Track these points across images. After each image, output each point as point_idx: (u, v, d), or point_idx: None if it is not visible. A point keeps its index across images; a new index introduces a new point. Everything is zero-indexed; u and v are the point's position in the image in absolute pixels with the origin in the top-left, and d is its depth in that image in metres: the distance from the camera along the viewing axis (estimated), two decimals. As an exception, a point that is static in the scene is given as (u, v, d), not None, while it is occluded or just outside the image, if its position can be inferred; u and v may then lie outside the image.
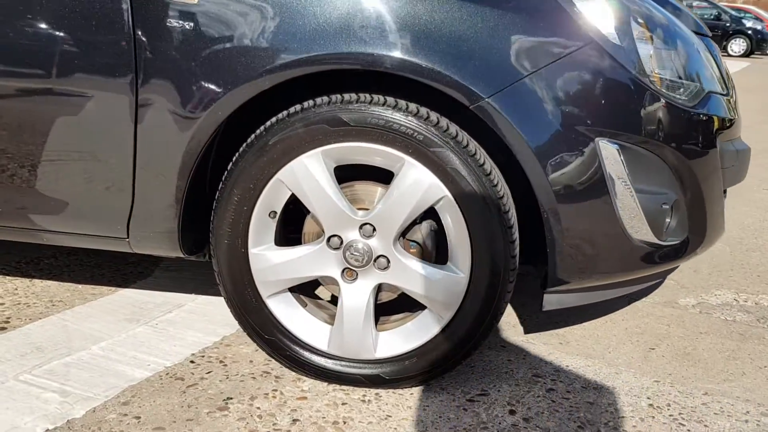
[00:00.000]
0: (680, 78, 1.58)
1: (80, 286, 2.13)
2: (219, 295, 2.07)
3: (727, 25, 18.45)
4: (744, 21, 18.61)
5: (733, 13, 18.90)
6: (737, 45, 18.35)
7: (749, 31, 18.41)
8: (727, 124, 1.69)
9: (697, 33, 1.76)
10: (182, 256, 1.67)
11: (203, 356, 1.74)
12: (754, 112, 6.84)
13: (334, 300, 1.76)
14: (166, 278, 2.21)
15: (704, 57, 1.69)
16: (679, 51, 1.60)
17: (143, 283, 2.17)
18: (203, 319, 1.94)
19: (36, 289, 2.09)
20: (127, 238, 1.64)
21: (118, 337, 1.82)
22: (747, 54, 18.36)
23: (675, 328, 2.02)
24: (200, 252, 1.73)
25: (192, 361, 1.71)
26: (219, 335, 1.85)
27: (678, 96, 1.55)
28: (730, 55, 18.27)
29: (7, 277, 2.16)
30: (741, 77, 11.27)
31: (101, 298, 2.04)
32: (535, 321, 2.01)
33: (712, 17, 18.93)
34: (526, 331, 1.95)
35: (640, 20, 1.54)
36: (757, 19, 19.96)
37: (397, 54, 1.40)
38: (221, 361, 1.72)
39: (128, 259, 2.34)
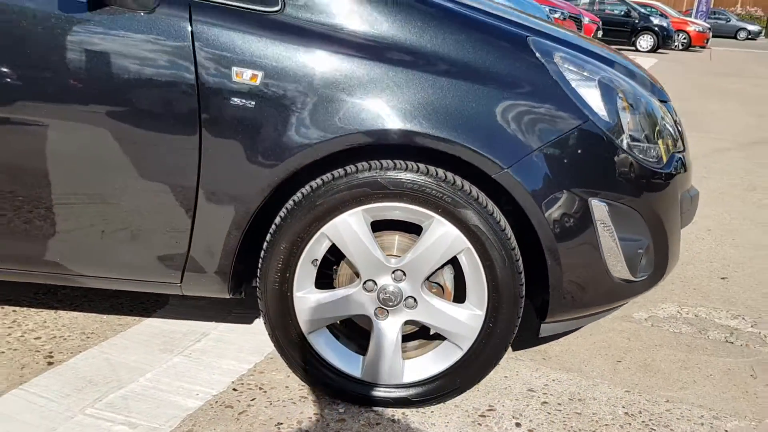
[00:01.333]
0: (651, 143, 1.90)
1: (105, 316, 2.28)
2: (236, 322, 2.29)
3: (636, 21, 19.49)
4: (651, 18, 19.71)
5: (642, 10, 19.97)
6: (645, 41, 19.44)
7: (656, 28, 19.52)
8: (685, 177, 2.04)
9: (660, 100, 2.09)
10: (228, 296, 1.88)
11: (242, 383, 1.96)
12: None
13: (351, 327, 2.00)
14: (183, 306, 2.39)
15: (668, 121, 2.03)
16: (650, 119, 1.93)
17: (163, 312, 2.34)
18: (231, 347, 2.15)
19: (64, 321, 2.23)
20: (180, 283, 1.84)
21: (160, 368, 2.00)
22: (654, 49, 19.48)
23: (634, 341, 2.38)
24: (238, 291, 1.94)
25: (234, 389, 1.93)
26: (251, 363, 2.07)
27: (650, 159, 1.87)
28: (638, 50, 19.34)
29: (32, 309, 2.29)
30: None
31: (130, 329, 2.21)
32: (520, 339, 2.32)
33: (621, 14, 19.95)
34: (514, 349, 2.26)
35: (620, 95, 1.85)
36: (663, 15, 21.18)
37: (436, 133, 1.65)
38: (261, 388, 1.94)
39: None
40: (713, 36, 26.51)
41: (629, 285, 1.92)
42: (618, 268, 1.86)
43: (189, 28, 1.63)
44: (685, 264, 3.11)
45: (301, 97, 1.65)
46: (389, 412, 1.87)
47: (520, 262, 1.79)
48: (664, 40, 19.64)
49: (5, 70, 1.65)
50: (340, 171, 1.73)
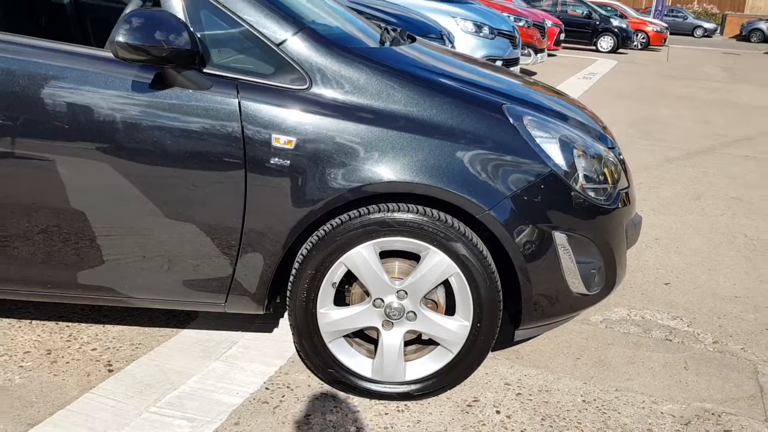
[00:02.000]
0: (601, 184, 2.37)
1: (147, 328, 2.68)
2: (259, 331, 2.71)
3: (597, 23, 20.19)
4: (611, 20, 20.41)
5: (602, 11, 20.66)
6: (605, 42, 20.15)
7: (616, 29, 20.23)
8: (629, 209, 2.52)
9: (608, 147, 2.56)
10: (262, 313, 2.30)
11: (272, 383, 2.38)
12: (623, 124, 8.00)
13: (359, 335, 2.43)
14: (211, 317, 2.80)
15: (615, 164, 2.49)
16: (599, 165, 2.40)
17: (196, 323, 2.75)
18: (258, 353, 2.57)
19: (113, 334, 2.62)
20: (225, 303, 2.26)
21: (202, 372, 2.42)
22: (614, 50, 20.19)
23: (591, 341, 2.86)
24: (268, 308, 2.36)
25: (267, 388, 2.35)
26: (276, 365, 2.49)
27: (601, 198, 2.34)
28: (599, 51, 20.03)
29: (83, 324, 2.68)
30: (611, 81, 12.68)
31: (171, 340, 2.61)
32: (497, 342, 2.78)
33: (583, 15, 20.61)
34: (492, 351, 2.72)
35: (576, 147, 2.31)
36: (622, 16, 21.94)
37: (432, 183, 2.09)
38: (288, 387, 2.37)
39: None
40: (671, 33, 27.47)
41: (585, 297, 2.39)
42: (576, 284, 2.33)
43: (237, 103, 2.05)
44: (635, 271, 3.61)
45: (327, 157, 2.08)
46: (394, 404, 2.32)
47: (499, 282, 2.24)
48: (623, 41, 20.37)
49: (98, 137, 2.05)
50: (355, 212, 2.16)
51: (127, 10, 2.21)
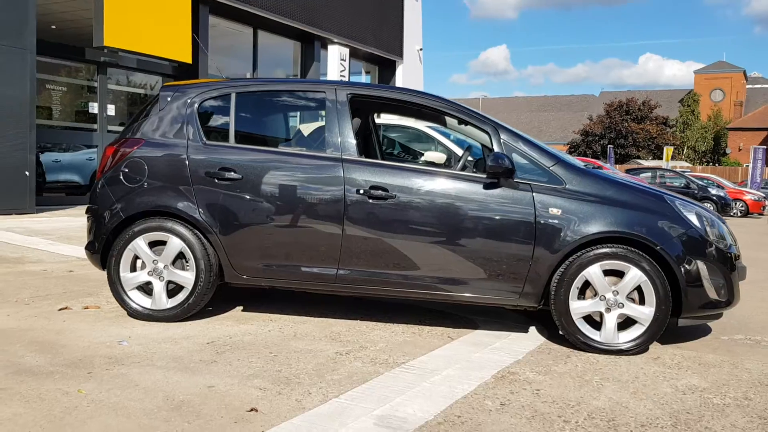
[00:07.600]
0: (723, 240, 4.34)
1: (456, 329, 4.71)
2: (521, 332, 4.68)
3: (696, 192, 22.11)
4: (709, 189, 22.33)
5: (699, 182, 22.67)
6: (706, 209, 21.90)
7: (714, 197, 22.05)
8: (738, 255, 4.45)
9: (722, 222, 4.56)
10: (537, 307, 4.32)
11: (540, 348, 4.32)
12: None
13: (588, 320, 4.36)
14: (489, 325, 4.79)
15: (729, 232, 4.47)
16: (721, 230, 4.39)
17: (481, 328, 4.75)
18: (525, 338, 4.52)
19: (441, 329, 4.67)
20: (518, 298, 4.31)
21: (500, 341, 4.40)
22: (714, 216, 21.84)
23: (722, 344, 4.65)
24: (540, 304, 4.36)
25: (538, 349, 4.29)
26: (540, 342, 4.43)
27: (722, 246, 4.30)
28: (700, 217, 21.74)
29: (424, 326, 4.75)
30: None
31: (474, 332, 4.63)
32: (670, 336, 4.61)
33: (681, 186, 22.65)
34: (664, 344, 4.55)
35: (705, 219, 4.33)
36: (719, 186, 23.80)
37: (631, 231, 4.17)
38: (550, 348, 4.30)
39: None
40: (771, 202, 28.83)
41: (717, 302, 4.29)
42: (712, 293, 4.25)
43: (531, 195, 4.24)
44: (749, 320, 5.37)
45: (575, 219, 4.20)
46: (613, 357, 4.20)
47: (669, 288, 4.19)
48: (722, 208, 22.05)
49: (462, 209, 4.28)
50: (590, 248, 4.22)
51: (471, 150, 4.54)
